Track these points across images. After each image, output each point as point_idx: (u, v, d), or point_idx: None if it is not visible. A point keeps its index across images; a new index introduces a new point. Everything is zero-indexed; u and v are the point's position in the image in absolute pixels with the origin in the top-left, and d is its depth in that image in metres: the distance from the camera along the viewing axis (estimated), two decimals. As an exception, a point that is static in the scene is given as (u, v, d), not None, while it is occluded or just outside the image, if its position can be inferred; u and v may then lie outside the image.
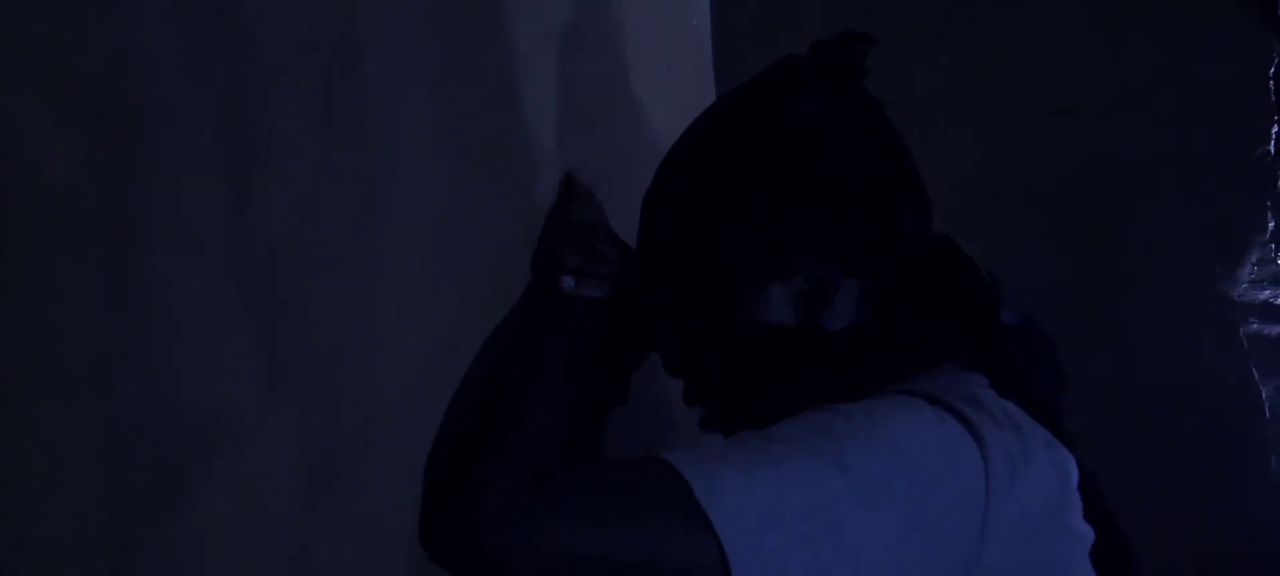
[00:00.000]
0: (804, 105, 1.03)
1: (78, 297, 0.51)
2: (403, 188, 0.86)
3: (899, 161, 1.04)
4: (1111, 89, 2.13)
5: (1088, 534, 0.89)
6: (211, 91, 0.61)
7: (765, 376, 1.01)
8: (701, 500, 0.81)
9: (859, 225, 1.00)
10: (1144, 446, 1.95)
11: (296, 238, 0.68)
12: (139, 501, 0.55)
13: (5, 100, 0.47)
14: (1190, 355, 2.09)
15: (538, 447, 0.91)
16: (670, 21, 1.94)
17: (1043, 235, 2.10)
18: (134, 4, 0.55)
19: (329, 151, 0.73)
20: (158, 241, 0.57)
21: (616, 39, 1.56)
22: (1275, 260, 2.09)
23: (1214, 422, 2.08)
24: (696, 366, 1.07)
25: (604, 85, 1.49)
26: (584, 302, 1.07)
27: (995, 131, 2.16)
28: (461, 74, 1.01)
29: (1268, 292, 2.10)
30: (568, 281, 1.05)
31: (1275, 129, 2.07)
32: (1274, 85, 2.09)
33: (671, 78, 1.79)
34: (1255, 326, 2.10)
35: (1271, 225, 2.08)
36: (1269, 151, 2.07)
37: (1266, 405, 2.08)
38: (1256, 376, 2.08)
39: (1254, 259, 2.09)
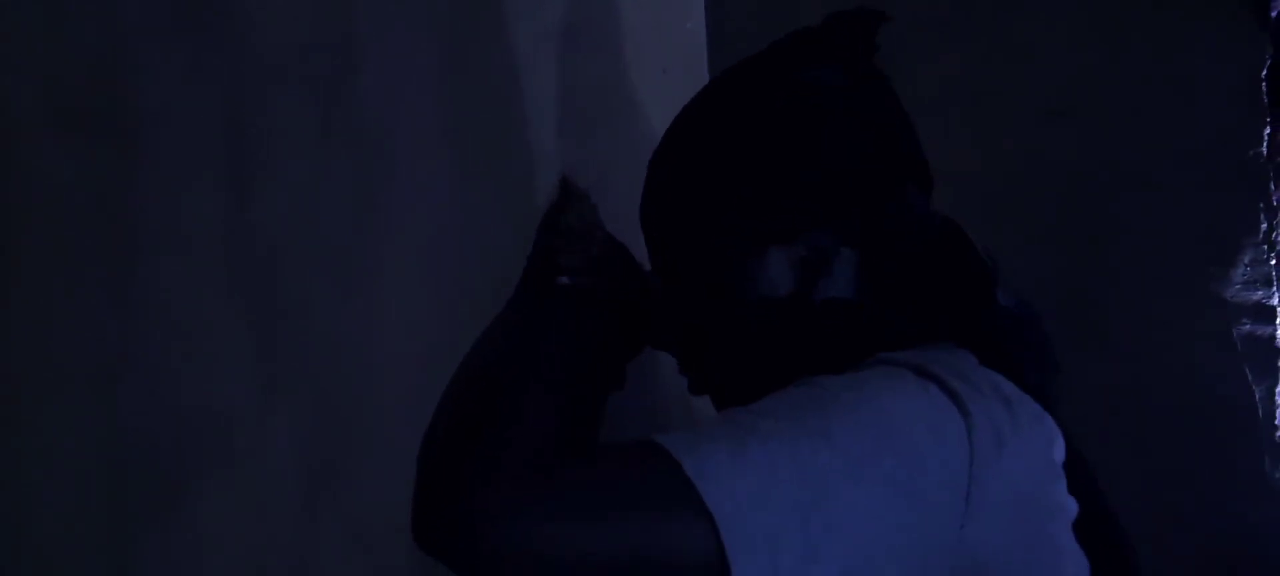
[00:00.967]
0: (812, 75, 1.04)
1: (79, 301, 0.52)
2: (401, 190, 0.86)
3: (904, 137, 1.05)
4: (1105, 90, 2.13)
5: (1073, 507, 0.89)
6: (211, 95, 0.61)
7: (764, 350, 1.02)
8: (693, 480, 0.81)
9: (861, 197, 1.01)
10: (1137, 447, 1.96)
11: (296, 240, 0.68)
12: (140, 503, 0.55)
13: (6, 104, 0.47)
14: (1183, 356, 2.09)
15: (532, 439, 0.91)
16: (666, 24, 1.95)
17: (1035, 235, 2.10)
18: (133, 10, 0.55)
19: (328, 154, 0.73)
20: (158, 245, 0.57)
21: (613, 41, 1.56)
22: (1268, 261, 2.10)
23: (1207, 423, 2.08)
24: (700, 346, 1.08)
25: (600, 87, 1.49)
26: (580, 297, 1.07)
27: (989, 132, 2.16)
28: (460, 77, 1.02)
29: (1261, 294, 2.10)
30: (564, 281, 1.06)
31: (1268, 131, 2.08)
32: (1267, 87, 2.09)
33: (667, 79, 1.79)
34: (1249, 327, 2.10)
35: (1264, 227, 2.09)
36: (1262, 153, 2.08)
37: (1260, 406, 2.08)
38: (1250, 377, 2.08)
39: (1247, 260, 2.09)
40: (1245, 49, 2.08)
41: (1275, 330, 2.09)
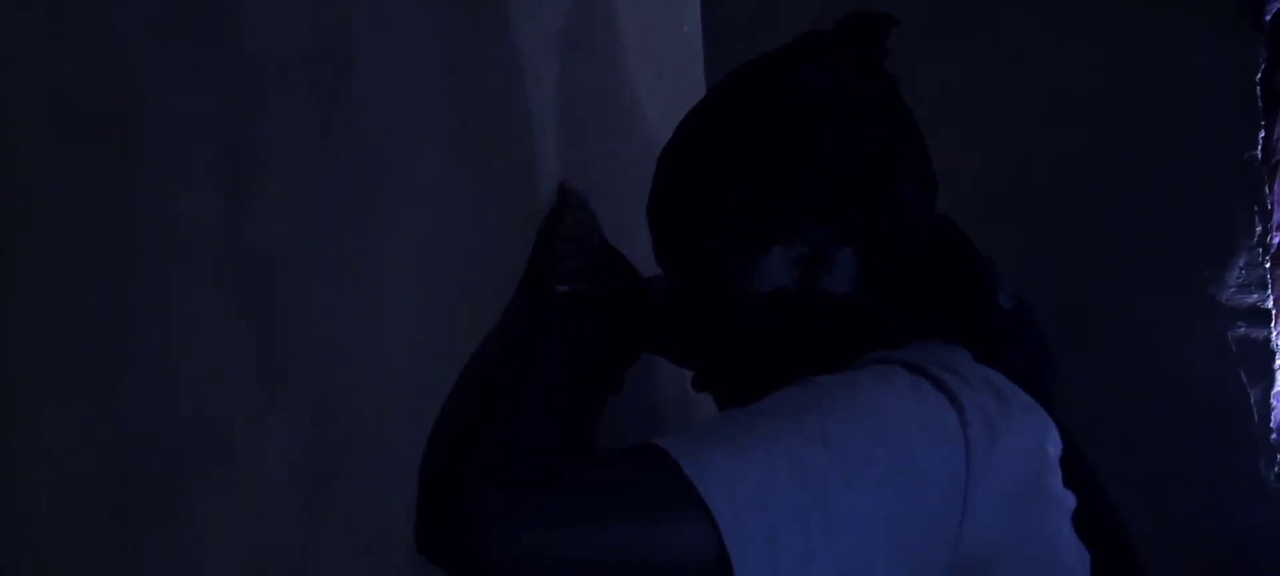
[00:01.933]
0: (819, 77, 1.04)
1: (78, 303, 0.52)
2: (400, 194, 0.86)
3: (909, 139, 1.06)
4: (1101, 93, 2.14)
5: (1070, 499, 0.90)
6: (210, 98, 0.61)
7: (764, 346, 1.03)
8: (694, 482, 0.82)
9: (860, 197, 1.01)
10: (1132, 449, 1.96)
11: (295, 243, 0.68)
12: (140, 506, 0.55)
13: (5, 107, 0.48)
14: (1179, 358, 2.10)
15: (533, 445, 0.92)
16: (662, 28, 1.95)
17: (1032, 237, 2.11)
18: (131, 13, 0.55)
19: (326, 158, 0.73)
20: (157, 247, 0.57)
21: (609, 45, 1.57)
22: (1263, 264, 2.10)
23: (1202, 425, 2.08)
24: (702, 345, 1.09)
25: (598, 91, 1.49)
26: (579, 304, 1.08)
27: (987, 134, 2.16)
28: (458, 80, 1.02)
29: (1255, 296, 2.11)
30: (562, 287, 1.07)
31: (1262, 134, 2.08)
32: (1261, 90, 2.10)
33: (663, 84, 1.80)
34: (1243, 330, 2.11)
35: (1259, 229, 2.09)
36: (1256, 156, 2.09)
37: (1255, 408, 2.09)
38: (1245, 380, 2.09)
39: (1242, 263, 2.10)
40: (1240, 52, 2.09)
41: (1270, 332, 2.09)
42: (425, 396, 0.92)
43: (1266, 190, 2.09)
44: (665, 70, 1.85)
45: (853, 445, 0.85)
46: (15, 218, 0.48)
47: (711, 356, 1.10)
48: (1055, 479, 0.90)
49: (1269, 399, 2.10)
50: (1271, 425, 2.10)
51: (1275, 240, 2.10)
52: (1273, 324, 2.11)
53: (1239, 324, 2.11)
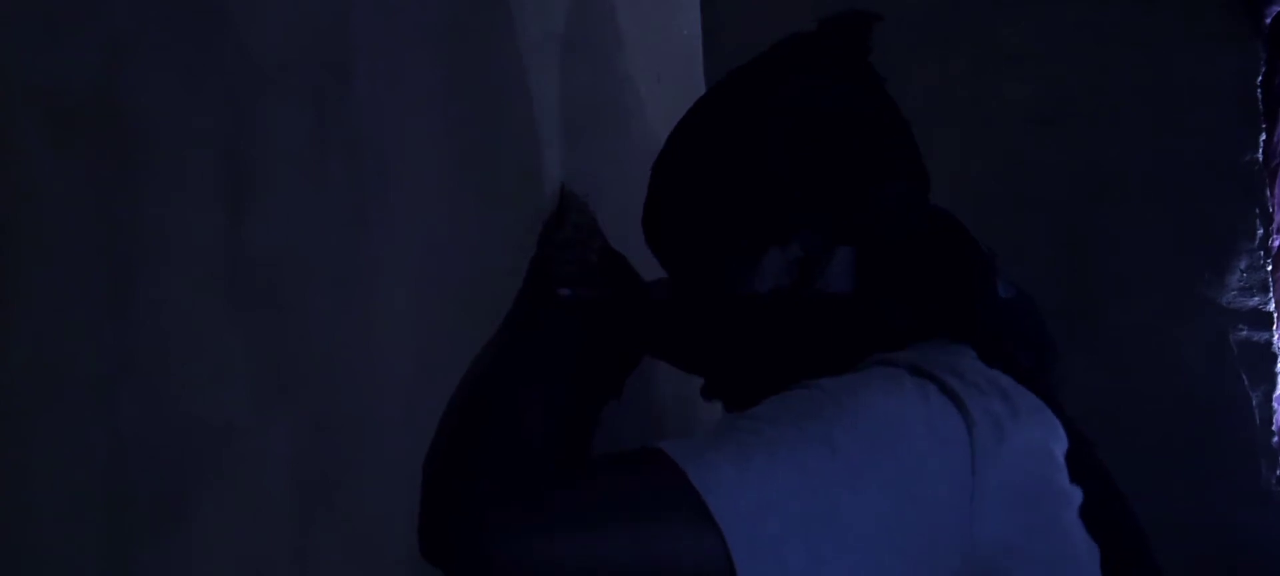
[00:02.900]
0: (806, 79, 1.04)
1: (76, 310, 0.51)
2: (399, 198, 0.86)
3: (897, 135, 1.06)
4: (1101, 96, 2.14)
5: (1077, 495, 0.89)
6: (207, 103, 0.61)
7: (765, 347, 1.03)
8: (700, 490, 0.81)
9: (855, 195, 1.01)
10: (1133, 453, 1.95)
11: (293, 249, 0.68)
12: (139, 515, 0.54)
13: (2, 116, 0.47)
14: (1179, 362, 2.10)
15: (537, 451, 0.92)
16: (661, 31, 1.95)
17: (1032, 242, 2.10)
18: (129, 16, 0.55)
19: (324, 162, 0.73)
20: (155, 254, 0.56)
21: (608, 48, 1.56)
22: (1264, 267, 2.10)
23: (1203, 428, 2.08)
24: (703, 350, 1.08)
25: (596, 95, 1.49)
26: (579, 309, 1.08)
27: (984, 138, 2.16)
28: (456, 85, 1.02)
29: (1256, 299, 2.10)
30: (563, 293, 1.07)
31: (1262, 137, 2.08)
32: (1261, 93, 2.10)
33: (662, 86, 1.80)
34: (1244, 333, 2.10)
35: (1260, 232, 2.09)
36: (1257, 159, 2.08)
37: (1256, 412, 2.08)
38: (1246, 383, 2.09)
39: (1243, 266, 2.10)
40: (1240, 55, 2.09)
41: (1271, 336, 2.09)
42: (425, 402, 0.92)
43: (1267, 193, 2.09)
44: (664, 72, 1.85)
45: (858, 450, 0.84)
46: (13, 222, 0.47)
47: (714, 361, 1.10)
48: (1062, 476, 0.89)
49: (1270, 402, 2.10)
50: (1273, 428, 2.09)
51: (1276, 243, 2.10)
52: (1274, 327, 2.11)
53: (1240, 327, 2.10)
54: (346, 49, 0.76)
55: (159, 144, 0.57)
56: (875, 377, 0.91)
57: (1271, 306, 2.10)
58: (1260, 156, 2.08)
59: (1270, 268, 2.09)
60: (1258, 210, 2.09)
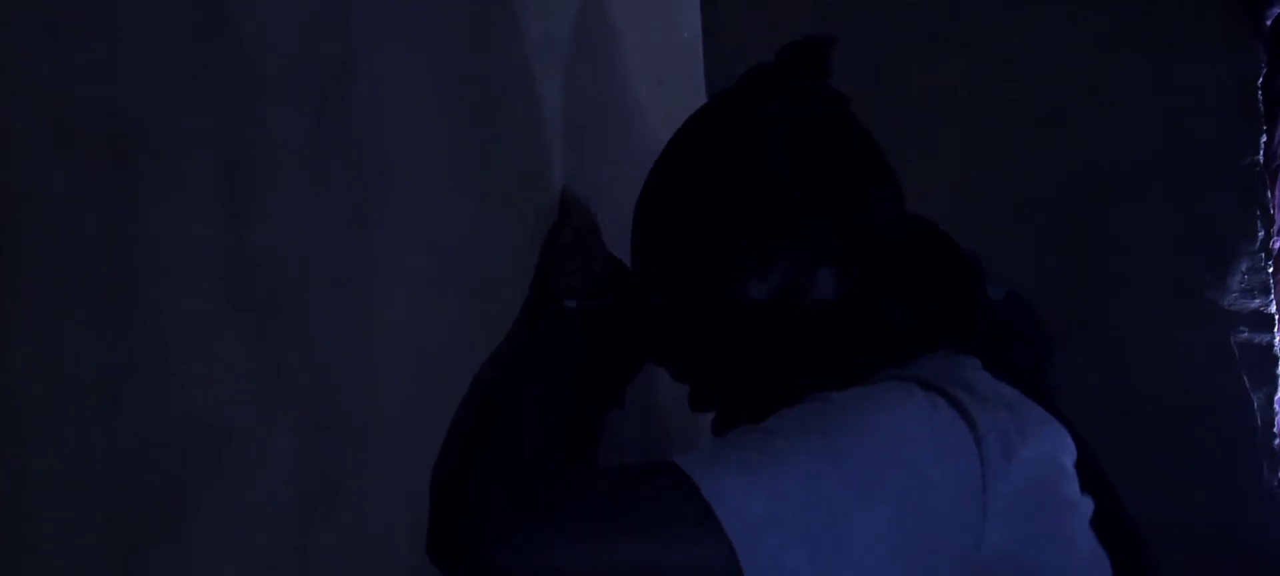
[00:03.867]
0: (771, 111, 1.06)
1: (77, 314, 0.51)
2: (400, 202, 0.86)
3: (864, 151, 1.08)
4: (1100, 97, 2.14)
5: (1087, 504, 0.90)
6: (207, 111, 0.61)
7: (760, 367, 1.04)
8: (710, 500, 0.82)
9: (829, 216, 1.02)
10: (1134, 455, 1.95)
11: (294, 253, 0.68)
12: (139, 519, 0.54)
13: (3, 119, 0.47)
14: (1181, 364, 2.10)
15: (547, 458, 0.92)
16: (662, 34, 1.95)
17: (1032, 243, 2.11)
18: (130, 26, 0.55)
19: (325, 166, 0.73)
20: (156, 259, 0.56)
21: (609, 51, 1.56)
22: (1265, 268, 2.10)
23: (1205, 431, 2.08)
24: (696, 369, 1.09)
25: (597, 98, 1.49)
26: (582, 318, 1.09)
27: (985, 140, 2.16)
28: (457, 89, 1.02)
29: (1258, 301, 2.10)
30: (568, 303, 1.08)
31: (1263, 138, 2.08)
32: (1262, 95, 2.10)
33: (663, 90, 1.80)
34: (1246, 335, 2.10)
35: (1261, 234, 2.09)
36: (1258, 161, 2.08)
37: (1258, 413, 2.08)
38: (1247, 384, 2.09)
39: (1244, 267, 2.10)
40: (1241, 56, 2.09)
41: (1273, 337, 2.09)
42: (426, 404, 0.92)
43: (1268, 194, 2.09)
44: (665, 75, 1.85)
45: (865, 461, 0.85)
46: (14, 224, 0.47)
47: (712, 368, 1.10)
48: (1071, 486, 0.90)
49: (1272, 404, 2.10)
50: (1274, 430, 2.09)
51: (1277, 244, 2.10)
52: (1275, 328, 2.11)
53: (1241, 328, 2.10)
54: (347, 50, 0.76)
55: (159, 146, 0.57)
56: (886, 391, 0.91)
57: (1273, 308, 2.10)
58: (1261, 158, 2.08)
59: (1271, 269, 2.09)
60: (1258, 212, 2.09)
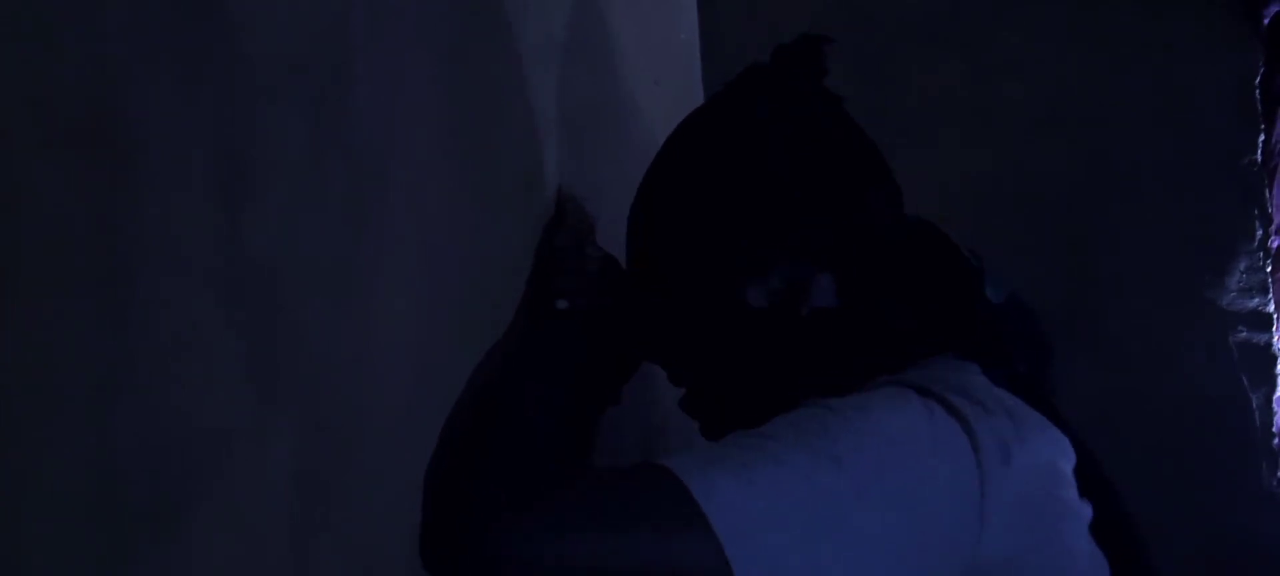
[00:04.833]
0: (766, 112, 1.05)
1: (69, 316, 0.51)
2: (398, 202, 0.86)
3: (861, 152, 1.07)
4: (1099, 97, 2.14)
5: (1086, 510, 0.90)
6: (203, 110, 0.61)
7: (757, 369, 1.03)
8: (700, 502, 0.82)
9: (826, 218, 1.01)
10: (1133, 454, 1.95)
11: (291, 253, 0.67)
12: (134, 523, 0.54)
13: (-3, 120, 0.47)
14: (1179, 363, 2.10)
15: (538, 460, 0.92)
16: (659, 35, 1.95)
17: (1031, 244, 2.11)
18: (122, 19, 0.54)
19: (322, 166, 0.72)
20: (152, 261, 0.56)
21: (607, 52, 1.56)
22: (1263, 268, 2.10)
23: (1203, 431, 2.08)
24: (693, 371, 1.09)
25: (595, 99, 1.49)
26: (578, 318, 1.09)
27: (983, 140, 2.16)
28: (455, 89, 1.02)
29: (1256, 301, 2.10)
30: (562, 303, 1.08)
31: (1261, 138, 2.08)
32: (1260, 94, 2.10)
33: (661, 90, 1.80)
34: (1244, 334, 2.10)
35: (1259, 233, 2.09)
36: (1256, 160, 2.08)
37: (1257, 413, 2.08)
38: (1246, 384, 2.08)
39: (1242, 267, 2.10)
40: (1239, 56, 2.09)
41: (1271, 337, 2.09)
42: (424, 406, 0.91)
43: (1266, 194, 2.09)
44: (663, 75, 1.85)
45: (864, 465, 0.85)
46: (8, 226, 0.47)
47: (710, 370, 1.10)
48: (1070, 492, 0.91)
49: (1270, 404, 2.10)
50: (1273, 430, 2.09)
51: (1275, 243, 2.10)
52: (1274, 328, 2.10)
53: (1240, 328, 2.10)
54: (346, 51, 0.76)
55: (155, 148, 0.57)
56: (883, 396, 0.91)
57: (1271, 308, 2.10)
58: (1259, 157, 2.08)
59: (1269, 269, 2.09)
60: (1257, 211, 2.09)
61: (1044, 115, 2.15)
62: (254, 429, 0.64)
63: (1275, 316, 2.10)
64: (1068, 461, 0.91)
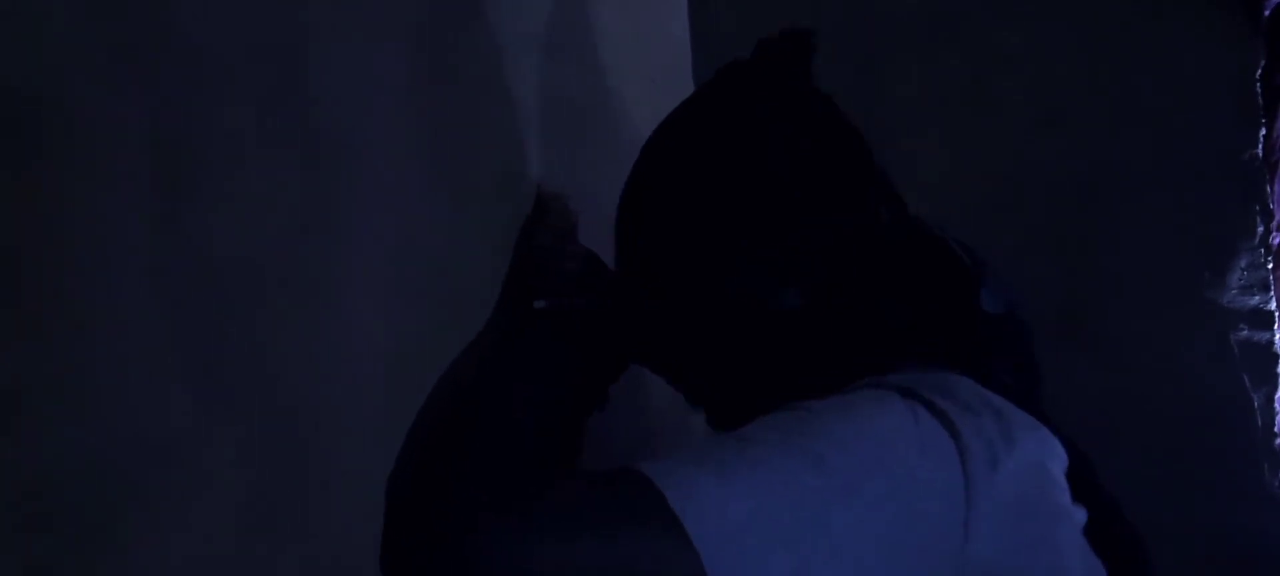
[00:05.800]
0: (765, 110, 1.03)
1: (-3, 321, 0.48)
2: (358, 201, 0.83)
3: (853, 149, 1.05)
4: (1096, 93, 2.12)
5: (1079, 514, 0.89)
6: (140, 98, 0.58)
7: (750, 374, 1.02)
8: (676, 509, 0.79)
9: (818, 219, 1.00)
10: (1132, 455, 1.93)
11: (237, 255, 0.65)
12: (59, 543, 0.51)
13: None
14: (1179, 363, 2.07)
15: (511, 464, 0.90)
16: (649, 31, 1.92)
17: (1029, 243, 2.08)
18: (58, 6, 0.52)
19: (273, 163, 0.69)
20: (77, 259, 0.53)
21: (594, 48, 1.54)
22: (1265, 265, 2.07)
23: (1204, 431, 2.06)
24: (684, 371, 1.06)
25: (581, 96, 1.46)
26: (557, 320, 1.06)
27: (983, 136, 2.14)
28: (426, 83, 0.99)
29: (1258, 299, 2.07)
30: (541, 304, 1.05)
31: (1262, 133, 2.06)
32: (1260, 89, 2.07)
33: (652, 88, 1.77)
34: (1245, 333, 2.08)
35: (1260, 230, 2.06)
36: (1257, 156, 2.06)
37: (1259, 413, 2.06)
38: (1247, 383, 2.06)
39: (1243, 265, 2.07)
40: (1238, 50, 2.06)
41: (1273, 336, 2.06)
42: (391, 410, 0.88)
43: (1268, 189, 2.06)
44: (654, 74, 1.83)
45: (848, 466, 0.83)
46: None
47: (703, 372, 1.08)
48: (1062, 495, 0.88)
49: (1272, 403, 2.07)
50: (1275, 430, 2.07)
51: (1277, 240, 2.07)
52: (1276, 326, 2.08)
53: (1241, 327, 2.08)
54: (298, 37, 0.73)
55: (88, 141, 0.54)
56: (865, 398, 0.90)
57: (1273, 305, 2.07)
58: (1260, 152, 2.06)
59: (1271, 266, 2.07)
60: (1258, 207, 2.06)
61: (1041, 111, 2.13)
62: (196, 439, 0.61)
63: (1277, 314, 2.08)
64: (1059, 464, 0.89)
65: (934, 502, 0.83)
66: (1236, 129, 2.04)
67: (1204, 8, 2.07)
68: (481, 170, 1.10)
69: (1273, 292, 2.05)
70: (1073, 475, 0.90)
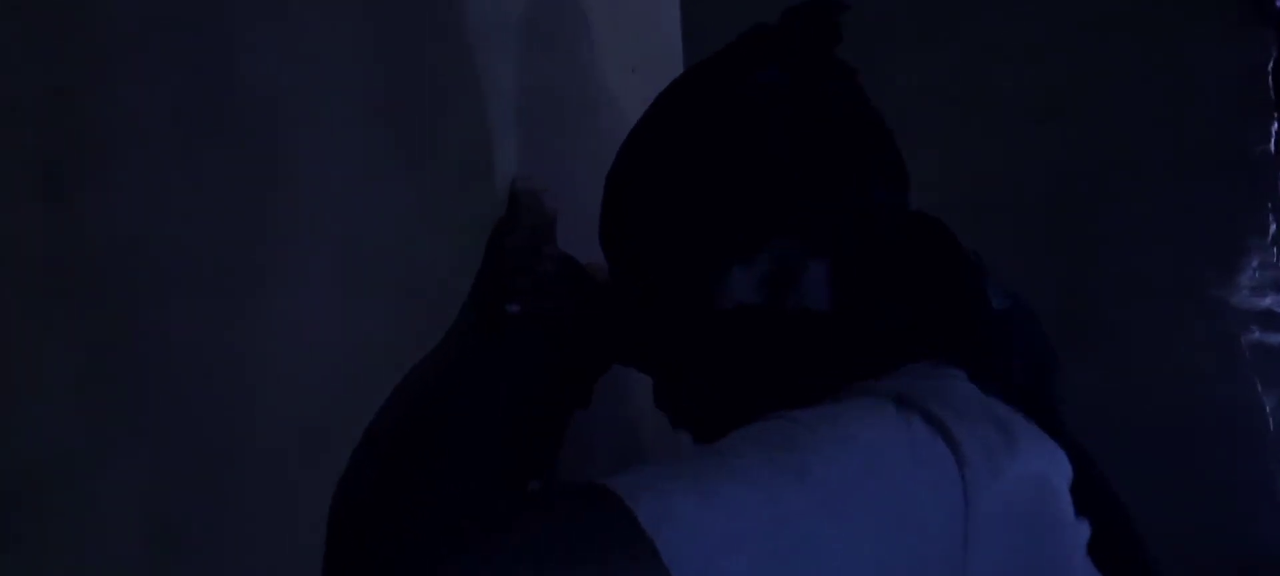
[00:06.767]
0: (768, 78, 0.98)
1: None
2: (306, 188, 0.76)
3: (870, 133, 1.00)
4: (1104, 87, 2.09)
5: (1083, 527, 0.85)
6: (29, 78, 0.51)
7: (735, 367, 0.97)
8: (649, 531, 0.74)
9: (825, 202, 0.95)
10: (1141, 459, 1.89)
11: (144, 253, 0.58)
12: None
13: None
14: (1187, 365, 2.04)
15: (472, 487, 0.85)
16: (637, 19, 1.87)
17: (1032, 239, 2.05)
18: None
19: (191, 148, 0.63)
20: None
21: (576, 36, 1.49)
22: (1276, 265, 2.04)
23: (1214, 434, 2.03)
24: (665, 365, 1.02)
25: (561, 86, 1.41)
26: (530, 325, 1.01)
27: (987, 132, 2.11)
28: (380, 69, 0.92)
29: (1269, 299, 2.04)
30: (514, 308, 1.00)
31: (1275, 127, 2.01)
32: (1272, 82, 2.03)
33: (638, 79, 1.72)
34: (1256, 335, 2.04)
35: (1273, 228, 2.02)
36: (1269, 151, 2.02)
37: (1270, 417, 2.02)
38: (1258, 386, 2.03)
39: (1254, 264, 2.04)
40: (1248, 43, 2.03)
41: (1286, 337, 2.03)
42: (333, 427, 0.82)
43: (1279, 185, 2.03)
44: (640, 66, 1.77)
45: (837, 477, 0.79)
46: None
47: (683, 380, 1.02)
48: (1065, 507, 0.84)
49: (1284, 407, 2.04)
50: (1287, 435, 2.03)
51: (1289, 238, 2.04)
52: (1288, 328, 2.05)
53: (1252, 328, 2.05)
54: (225, 16, 0.66)
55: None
56: (856, 406, 0.85)
57: (1285, 306, 2.03)
58: (1271, 147, 2.02)
59: (1283, 265, 2.03)
60: (1270, 204, 2.03)
61: (1044, 105, 2.09)
62: (89, 453, 0.54)
63: (1289, 315, 2.04)
64: (1062, 477, 0.85)
65: (928, 514, 0.79)
66: (1247, 122, 2.01)
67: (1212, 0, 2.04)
68: (445, 161, 1.04)
69: (1285, 292, 2.01)
70: (1078, 487, 0.85)
